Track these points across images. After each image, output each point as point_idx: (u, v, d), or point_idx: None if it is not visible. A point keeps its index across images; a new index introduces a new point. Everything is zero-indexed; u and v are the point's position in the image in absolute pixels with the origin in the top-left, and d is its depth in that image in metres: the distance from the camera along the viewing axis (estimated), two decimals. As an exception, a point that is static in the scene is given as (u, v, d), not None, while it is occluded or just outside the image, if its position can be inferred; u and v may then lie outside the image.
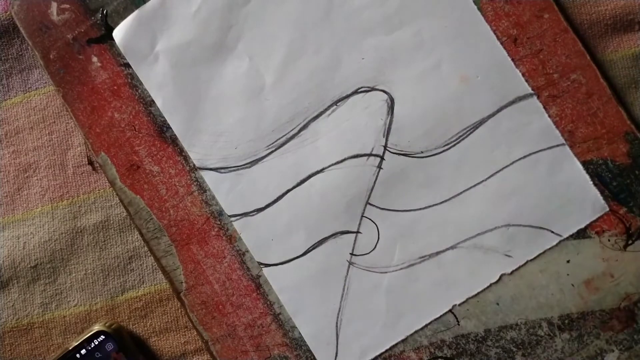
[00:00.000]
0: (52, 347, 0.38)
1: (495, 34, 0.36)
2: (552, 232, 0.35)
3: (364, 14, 0.36)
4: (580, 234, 0.35)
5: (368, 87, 0.36)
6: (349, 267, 0.36)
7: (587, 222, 0.35)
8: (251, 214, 0.36)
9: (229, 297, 0.37)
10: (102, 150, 0.37)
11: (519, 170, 0.36)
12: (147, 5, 0.36)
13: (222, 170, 0.37)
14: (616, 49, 0.37)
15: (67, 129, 0.38)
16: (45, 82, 0.38)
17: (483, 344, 0.36)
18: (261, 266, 0.36)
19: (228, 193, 0.36)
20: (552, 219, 0.35)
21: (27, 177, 0.38)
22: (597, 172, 0.36)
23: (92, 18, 0.37)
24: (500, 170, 0.36)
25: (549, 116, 0.36)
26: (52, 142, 0.38)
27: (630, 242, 0.35)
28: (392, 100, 0.36)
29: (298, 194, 0.36)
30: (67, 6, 0.37)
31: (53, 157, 0.38)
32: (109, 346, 0.36)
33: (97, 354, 0.36)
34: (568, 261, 0.35)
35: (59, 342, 0.38)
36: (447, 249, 0.36)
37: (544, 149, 0.36)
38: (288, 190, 0.36)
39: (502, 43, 0.36)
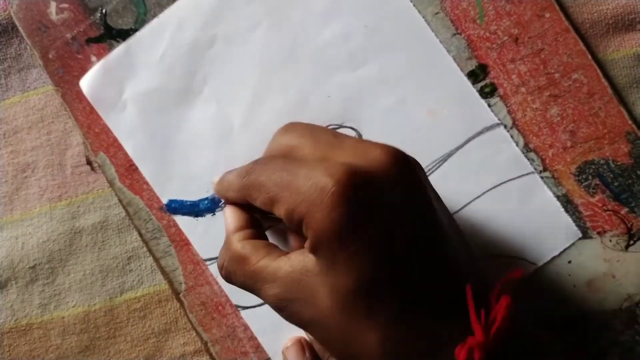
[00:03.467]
0: (50, 347, 0.38)
1: (495, 34, 0.36)
2: (527, 260, 0.35)
3: (328, 52, 0.36)
4: (582, 235, 0.35)
5: (336, 125, 0.36)
6: None
7: (562, 249, 0.35)
8: None
9: (229, 298, 0.36)
10: (101, 150, 0.37)
11: (490, 200, 0.35)
12: (112, 54, 0.36)
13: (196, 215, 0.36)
14: (618, 49, 0.37)
15: (65, 129, 0.38)
16: (44, 82, 0.38)
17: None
18: (239, 309, 0.36)
19: (202, 237, 0.36)
20: (527, 247, 0.35)
21: (25, 177, 0.38)
22: (598, 173, 0.35)
23: (91, 17, 0.37)
24: (471, 202, 0.35)
25: (551, 116, 0.36)
26: (50, 142, 0.38)
27: (632, 242, 0.35)
28: (360, 136, 0.36)
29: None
30: (66, 5, 0.37)
31: (51, 157, 0.38)
32: None
33: None
34: (569, 262, 0.35)
35: (57, 343, 0.38)
36: None
37: (514, 178, 0.35)
38: None
39: (466, 76, 0.36)
